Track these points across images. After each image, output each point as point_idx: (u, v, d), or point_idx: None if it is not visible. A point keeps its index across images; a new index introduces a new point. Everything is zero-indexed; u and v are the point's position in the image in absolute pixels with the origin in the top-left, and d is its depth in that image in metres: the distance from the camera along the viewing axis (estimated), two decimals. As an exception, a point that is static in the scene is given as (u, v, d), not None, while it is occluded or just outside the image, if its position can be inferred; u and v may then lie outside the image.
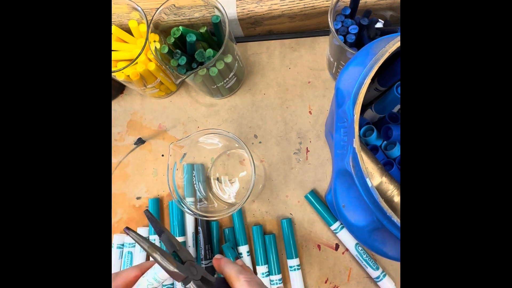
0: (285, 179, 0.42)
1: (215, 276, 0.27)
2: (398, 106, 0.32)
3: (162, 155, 0.45)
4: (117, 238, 0.42)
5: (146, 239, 0.24)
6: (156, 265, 0.25)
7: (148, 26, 0.36)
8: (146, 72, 0.38)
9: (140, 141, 0.45)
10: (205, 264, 0.38)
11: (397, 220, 0.21)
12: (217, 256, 0.29)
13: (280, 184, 0.42)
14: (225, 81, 0.39)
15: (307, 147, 0.42)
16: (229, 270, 0.26)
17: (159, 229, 0.27)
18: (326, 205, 0.40)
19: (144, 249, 0.24)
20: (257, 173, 0.34)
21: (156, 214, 0.42)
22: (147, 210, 0.27)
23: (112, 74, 0.37)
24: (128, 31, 0.40)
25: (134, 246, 0.41)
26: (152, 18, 0.36)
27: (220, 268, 0.27)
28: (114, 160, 0.45)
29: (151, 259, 0.26)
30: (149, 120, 0.46)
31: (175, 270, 0.23)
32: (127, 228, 0.24)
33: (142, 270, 0.26)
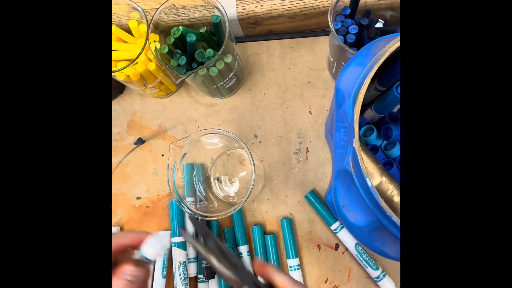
0: (285, 179, 0.42)
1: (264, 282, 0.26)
2: (398, 106, 0.32)
3: (162, 155, 0.45)
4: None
5: (199, 241, 0.23)
6: (149, 240, 0.24)
7: (148, 26, 0.36)
8: (146, 72, 0.38)
9: (140, 141, 0.45)
10: (205, 264, 0.38)
11: (397, 220, 0.21)
12: (259, 260, 0.27)
13: (280, 184, 0.42)
14: (225, 81, 0.39)
15: (307, 147, 0.42)
16: (282, 280, 0.25)
17: (205, 233, 0.25)
18: (326, 205, 0.40)
19: (199, 251, 0.23)
20: (257, 173, 0.34)
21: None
22: (191, 215, 0.26)
23: (112, 74, 0.37)
24: (128, 31, 0.40)
25: None
26: (152, 18, 0.36)
27: (267, 275, 0.26)
28: (114, 160, 0.45)
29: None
30: (149, 120, 0.46)
31: (234, 277, 0.22)
32: (183, 228, 0.23)
33: (135, 241, 0.25)
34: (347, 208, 0.26)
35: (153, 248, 0.23)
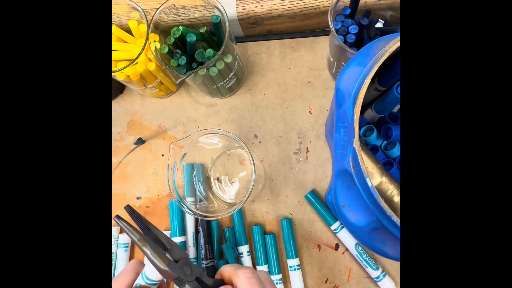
0: (285, 179, 0.42)
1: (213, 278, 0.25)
2: (398, 106, 0.32)
3: (162, 155, 0.45)
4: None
5: (138, 231, 0.22)
6: (147, 263, 0.22)
7: (148, 26, 0.36)
8: (146, 72, 0.38)
9: (140, 141, 0.45)
10: (205, 264, 0.38)
11: (397, 220, 0.21)
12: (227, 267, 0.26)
13: (280, 184, 0.42)
14: (225, 81, 0.39)
15: (307, 147, 0.42)
16: (226, 268, 0.24)
17: (144, 226, 0.24)
18: (326, 205, 0.40)
19: (134, 241, 0.21)
20: (257, 173, 0.34)
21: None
22: (127, 205, 0.24)
23: (112, 74, 0.37)
24: (128, 31, 0.40)
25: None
26: (152, 18, 0.36)
27: (219, 273, 0.25)
28: (114, 160, 0.45)
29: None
30: (149, 120, 0.46)
31: (166, 268, 0.21)
32: (117, 216, 0.21)
33: (139, 273, 0.24)
34: (347, 208, 0.26)
35: (154, 268, 0.22)
